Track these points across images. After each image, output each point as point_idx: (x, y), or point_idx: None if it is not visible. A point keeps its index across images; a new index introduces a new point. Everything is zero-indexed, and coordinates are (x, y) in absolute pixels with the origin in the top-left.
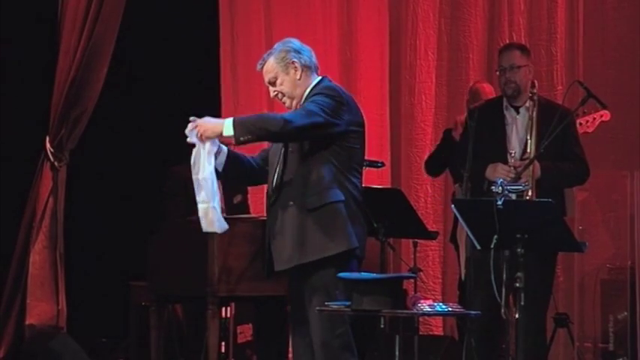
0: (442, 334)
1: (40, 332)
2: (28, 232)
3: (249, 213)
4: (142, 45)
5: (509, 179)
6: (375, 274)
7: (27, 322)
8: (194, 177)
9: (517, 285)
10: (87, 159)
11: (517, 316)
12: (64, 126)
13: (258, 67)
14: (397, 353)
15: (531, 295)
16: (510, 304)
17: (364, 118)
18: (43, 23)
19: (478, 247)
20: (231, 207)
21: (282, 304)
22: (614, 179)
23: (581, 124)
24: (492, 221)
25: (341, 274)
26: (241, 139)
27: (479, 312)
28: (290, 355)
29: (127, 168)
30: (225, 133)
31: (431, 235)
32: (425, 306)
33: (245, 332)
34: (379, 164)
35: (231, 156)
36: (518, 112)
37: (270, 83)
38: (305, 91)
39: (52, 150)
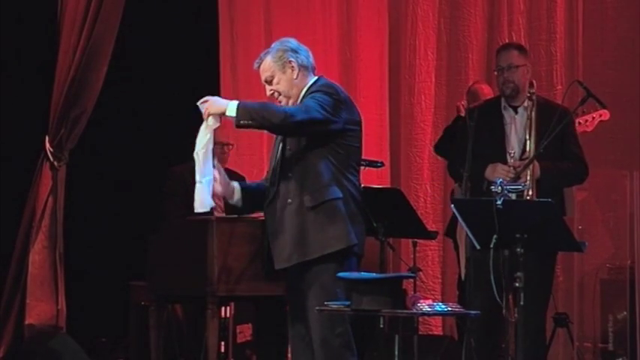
0: (442, 334)
1: (39, 332)
2: (28, 232)
3: None
4: (141, 45)
5: (508, 179)
6: (374, 274)
7: (26, 322)
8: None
9: (517, 285)
10: (87, 159)
11: (517, 315)
12: (64, 126)
13: (255, 65)
14: (397, 353)
15: (531, 294)
16: (510, 303)
17: (361, 116)
18: (42, 23)
19: (477, 247)
20: (231, 207)
21: (281, 304)
22: (614, 179)
23: (580, 123)
24: (492, 221)
25: (341, 274)
26: (241, 122)
27: (478, 312)
28: (289, 355)
29: (127, 168)
30: (227, 113)
31: (430, 235)
32: (424, 306)
33: (244, 332)
34: (379, 164)
35: (244, 190)
36: (516, 112)
37: (266, 82)
38: (301, 90)
39: (51, 150)
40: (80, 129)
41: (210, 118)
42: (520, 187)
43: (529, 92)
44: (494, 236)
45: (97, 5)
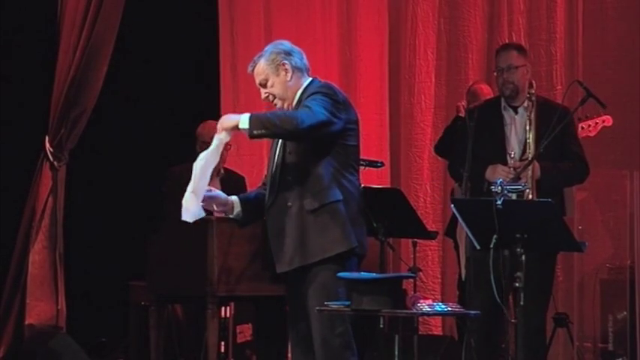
0: (442, 334)
1: (39, 332)
2: (28, 232)
3: None
4: (141, 45)
5: (508, 180)
6: (374, 274)
7: (26, 322)
8: None
9: (517, 285)
10: (87, 159)
11: (517, 315)
12: (64, 126)
13: (249, 69)
14: (396, 353)
15: (531, 294)
16: (510, 304)
17: (358, 115)
18: (42, 23)
19: (477, 247)
20: None
21: (281, 304)
22: (614, 179)
23: (582, 128)
24: (492, 221)
25: (341, 274)
26: (255, 132)
27: (478, 312)
28: (289, 355)
29: (127, 168)
30: (240, 126)
31: (430, 235)
32: (424, 306)
33: (244, 332)
34: (378, 164)
35: (242, 202)
36: (516, 113)
37: (261, 85)
38: (296, 92)
39: (51, 150)
40: (80, 129)
41: (224, 132)
42: (520, 187)
43: (529, 92)
44: (494, 236)
45: (97, 5)
